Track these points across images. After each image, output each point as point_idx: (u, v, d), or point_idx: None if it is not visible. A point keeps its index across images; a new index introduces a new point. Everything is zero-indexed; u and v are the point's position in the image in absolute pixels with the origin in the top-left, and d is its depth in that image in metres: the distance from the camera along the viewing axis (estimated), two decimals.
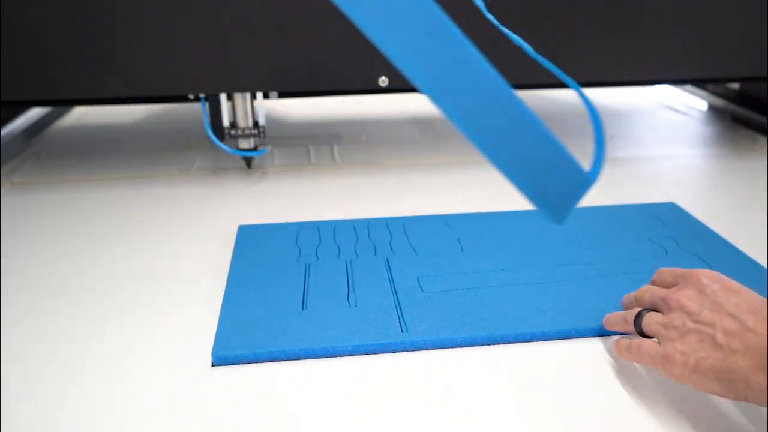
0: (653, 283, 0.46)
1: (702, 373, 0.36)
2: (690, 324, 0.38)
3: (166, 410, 0.41)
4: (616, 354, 0.44)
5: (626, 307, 0.47)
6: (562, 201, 0.41)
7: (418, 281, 0.54)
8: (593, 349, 0.46)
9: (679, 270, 0.43)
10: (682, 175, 0.81)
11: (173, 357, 0.46)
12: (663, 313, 0.41)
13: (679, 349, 0.37)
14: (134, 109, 1.14)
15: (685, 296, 0.39)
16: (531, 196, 0.40)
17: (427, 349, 0.46)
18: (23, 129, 1.01)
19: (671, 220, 0.65)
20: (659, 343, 0.40)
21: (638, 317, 0.42)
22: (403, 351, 0.46)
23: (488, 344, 0.47)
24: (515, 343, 0.47)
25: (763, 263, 0.56)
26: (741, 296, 0.37)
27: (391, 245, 0.61)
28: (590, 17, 0.76)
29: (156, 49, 0.71)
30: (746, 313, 0.36)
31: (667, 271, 0.45)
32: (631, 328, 0.43)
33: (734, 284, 0.39)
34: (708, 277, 0.40)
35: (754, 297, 0.37)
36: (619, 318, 0.45)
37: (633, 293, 0.47)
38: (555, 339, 0.47)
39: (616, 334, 0.47)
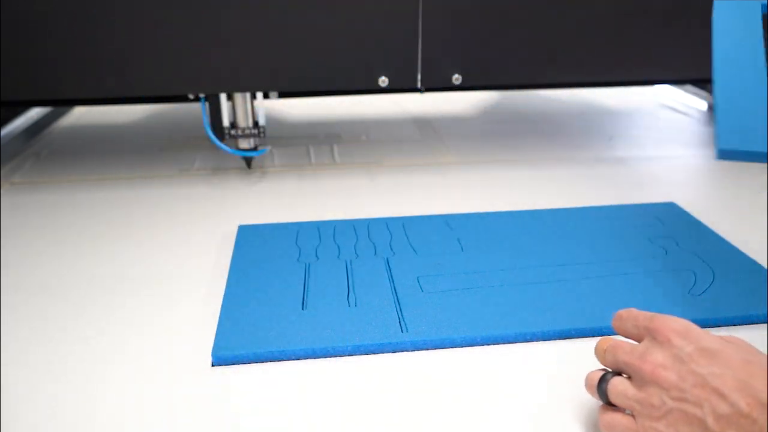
0: (616, 329, 0.39)
1: None
2: (671, 403, 0.32)
3: (166, 410, 0.41)
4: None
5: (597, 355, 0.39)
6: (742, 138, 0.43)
7: (418, 281, 0.54)
8: (593, 348, 0.46)
9: (641, 317, 0.37)
10: (682, 175, 0.81)
11: (173, 357, 0.46)
12: (632, 381, 0.35)
13: (663, 431, 0.32)
14: (134, 109, 1.14)
15: (660, 366, 0.33)
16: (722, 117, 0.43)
17: (427, 349, 0.46)
18: (23, 129, 1.01)
19: (671, 220, 0.65)
20: (634, 418, 0.34)
21: (602, 382, 0.37)
22: (403, 351, 0.46)
23: (488, 344, 0.47)
24: (515, 343, 0.47)
25: (763, 263, 0.56)
26: (722, 363, 0.32)
27: (391, 245, 0.61)
28: (590, 17, 0.76)
29: (156, 49, 0.71)
30: (735, 392, 0.31)
31: (627, 317, 0.38)
32: (595, 394, 0.37)
33: (709, 341, 0.34)
34: (678, 334, 0.34)
35: (736, 361, 0.32)
36: (587, 379, 0.39)
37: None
38: (555, 339, 0.47)
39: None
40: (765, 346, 0.45)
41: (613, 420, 0.36)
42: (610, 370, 0.38)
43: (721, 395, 0.31)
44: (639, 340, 0.37)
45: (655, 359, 0.34)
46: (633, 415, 0.35)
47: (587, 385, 0.38)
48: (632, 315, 0.38)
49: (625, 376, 0.36)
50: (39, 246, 0.63)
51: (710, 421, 0.31)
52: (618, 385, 0.36)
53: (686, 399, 0.32)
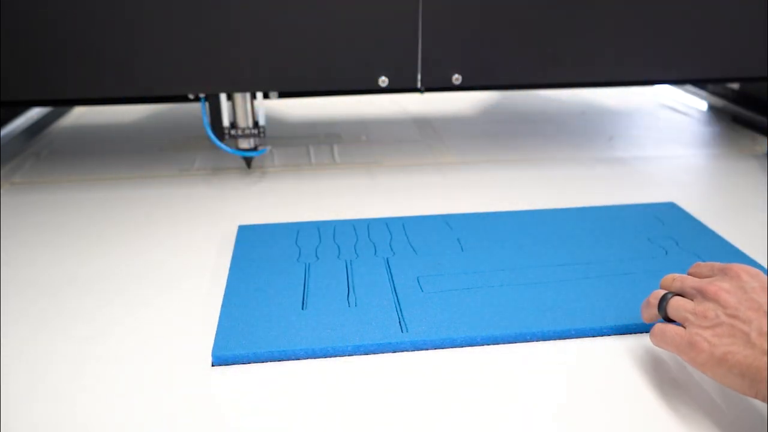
0: (690, 273, 0.44)
1: (728, 367, 0.36)
2: (723, 317, 0.37)
3: (166, 410, 0.41)
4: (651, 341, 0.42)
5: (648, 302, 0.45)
6: None
7: (418, 281, 0.54)
8: (593, 348, 0.46)
9: (717, 264, 0.42)
10: (682, 175, 0.81)
11: (173, 357, 0.46)
12: (694, 301, 0.40)
13: (708, 338, 0.37)
14: (134, 109, 1.14)
15: (723, 288, 0.38)
16: None
17: (427, 349, 0.46)
18: (23, 129, 1.01)
19: (671, 220, 0.65)
20: (685, 328, 0.39)
21: (663, 300, 0.42)
22: (403, 351, 0.46)
23: (488, 344, 0.47)
24: (515, 343, 0.47)
25: (763, 263, 0.56)
26: None
27: (391, 245, 0.61)
28: (590, 17, 0.76)
29: (156, 49, 0.71)
30: None
31: (704, 264, 0.44)
32: (653, 310, 0.43)
33: None
34: (748, 273, 0.39)
35: None
36: (643, 305, 0.44)
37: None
38: (555, 339, 0.47)
39: (616, 333, 0.47)
40: None
41: (665, 329, 0.40)
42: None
43: None
44: None
45: (721, 284, 0.39)
46: (684, 327, 0.39)
47: (647, 304, 0.43)
48: (710, 263, 0.43)
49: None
50: (39, 246, 0.63)
51: (754, 335, 0.35)
52: (678, 300, 0.41)
53: (738, 317, 0.36)
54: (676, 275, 0.44)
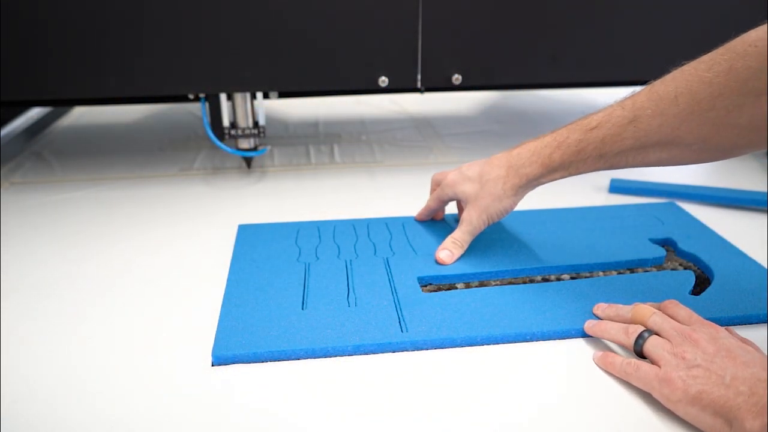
0: (665, 308, 0.46)
1: (701, 406, 0.37)
2: (701, 361, 0.39)
3: (166, 410, 0.41)
4: (600, 366, 0.44)
5: (611, 319, 0.47)
6: None
7: (418, 281, 0.54)
8: (593, 348, 0.46)
9: (696, 316, 0.44)
10: (683, 176, 0.81)
11: (173, 357, 0.46)
12: (672, 343, 0.41)
13: (683, 377, 0.38)
14: (134, 109, 1.14)
15: (704, 339, 0.40)
16: None
17: (427, 349, 0.46)
18: (23, 129, 1.01)
19: (671, 220, 0.65)
20: (660, 367, 0.40)
21: (640, 338, 0.43)
22: (403, 351, 0.46)
23: (488, 344, 0.47)
24: (515, 343, 0.47)
25: (763, 263, 0.56)
26: (757, 354, 0.39)
27: (391, 245, 0.61)
28: (591, 17, 0.76)
29: (156, 49, 0.71)
30: (760, 366, 0.37)
31: (683, 308, 0.45)
32: (629, 343, 0.43)
33: (748, 341, 0.41)
34: (728, 331, 0.42)
35: (764, 355, 0.39)
36: (616, 329, 0.45)
37: (622, 307, 0.47)
38: (555, 339, 0.47)
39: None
40: (765, 346, 0.45)
41: (640, 365, 0.41)
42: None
43: (747, 365, 0.37)
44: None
45: (701, 335, 0.41)
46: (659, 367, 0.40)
47: (624, 332, 0.44)
48: (689, 310, 0.45)
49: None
50: (39, 246, 0.63)
51: (728, 379, 0.37)
52: (657, 339, 0.42)
53: (715, 362, 0.38)
54: (655, 310, 0.45)
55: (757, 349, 0.40)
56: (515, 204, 0.56)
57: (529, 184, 0.54)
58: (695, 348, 0.40)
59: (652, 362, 0.41)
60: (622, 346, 0.45)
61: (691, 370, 0.38)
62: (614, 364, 0.43)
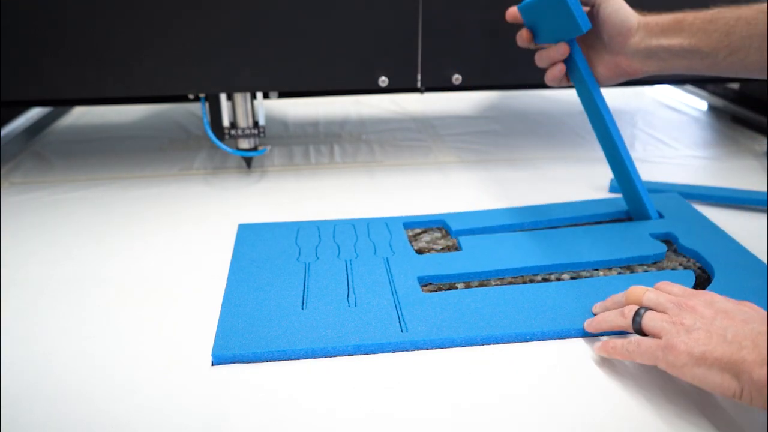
0: (657, 286, 0.46)
1: (707, 365, 0.37)
2: (701, 324, 0.39)
3: (166, 410, 0.41)
4: (602, 354, 0.44)
5: (608, 309, 0.47)
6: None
7: (418, 281, 0.54)
8: (593, 348, 0.46)
9: (689, 289, 0.45)
10: (683, 175, 0.81)
11: (173, 357, 0.46)
12: (668, 314, 0.41)
13: (685, 341, 0.38)
14: (134, 109, 1.14)
15: (700, 304, 0.41)
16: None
17: (427, 349, 0.46)
18: (23, 129, 1.01)
19: (673, 212, 0.65)
20: (661, 338, 0.40)
21: (637, 315, 0.43)
22: (403, 351, 0.46)
23: (488, 344, 0.47)
24: (515, 343, 0.47)
25: (764, 260, 0.56)
26: (753, 308, 0.40)
27: (391, 245, 0.61)
28: None
29: (156, 49, 0.71)
30: (759, 322, 0.38)
31: (674, 285, 0.46)
32: (627, 324, 0.43)
33: (745, 303, 0.41)
34: (718, 296, 0.42)
35: (763, 311, 0.40)
36: (613, 315, 0.45)
37: (616, 295, 0.47)
38: (555, 339, 0.47)
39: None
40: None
41: (641, 340, 0.41)
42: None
43: (746, 322, 0.38)
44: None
45: (697, 302, 0.41)
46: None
47: (620, 314, 0.44)
48: (680, 285, 0.45)
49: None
50: (39, 246, 0.63)
51: (730, 335, 0.37)
52: (654, 314, 0.42)
53: (714, 324, 0.39)
54: (646, 288, 0.45)
55: (752, 307, 0.41)
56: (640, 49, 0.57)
57: (654, 34, 0.56)
58: (693, 314, 0.40)
59: (653, 336, 0.41)
60: (622, 330, 0.45)
61: (692, 334, 0.38)
62: (616, 347, 0.43)
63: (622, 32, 0.57)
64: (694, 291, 0.44)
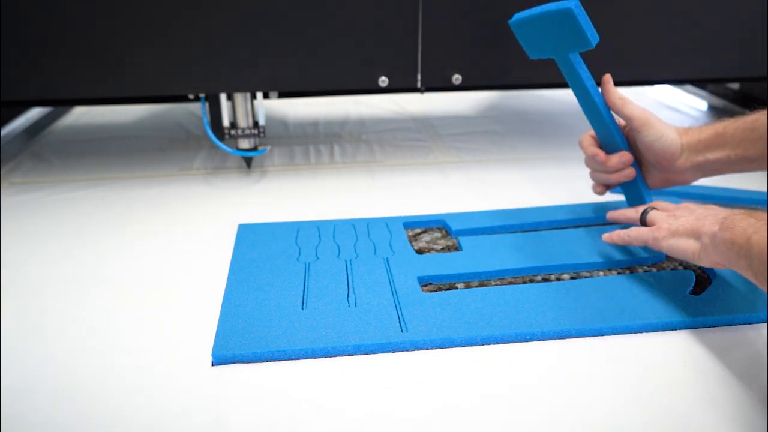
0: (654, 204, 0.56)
1: (679, 235, 0.48)
2: (688, 215, 0.49)
3: (166, 410, 0.41)
4: (607, 241, 0.56)
5: (619, 221, 0.59)
6: None
7: (418, 281, 0.54)
8: (593, 348, 0.46)
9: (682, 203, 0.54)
10: None
11: (173, 357, 0.46)
12: (670, 212, 0.52)
13: (670, 223, 0.50)
14: (134, 109, 1.14)
15: (699, 208, 0.50)
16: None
17: (427, 349, 0.46)
18: (23, 129, 1.01)
19: None
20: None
21: (644, 213, 0.54)
22: (403, 351, 0.46)
23: (488, 344, 0.47)
24: (515, 342, 0.47)
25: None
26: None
27: (391, 245, 0.61)
28: (590, 17, 0.76)
29: (156, 49, 0.71)
30: (730, 212, 0.45)
31: (665, 202, 0.56)
32: (636, 217, 0.55)
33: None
34: (703, 206, 0.52)
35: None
36: (626, 211, 0.57)
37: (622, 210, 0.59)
38: (555, 339, 0.47)
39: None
40: (765, 345, 0.45)
41: (639, 229, 0.53)
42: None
43: (722, 212, 0.46)
44: None
45: (698, 207, 0.51)
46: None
47: (624, 213, 0.58)
48: (670, 203, 0.56)
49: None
50: (38, 245, 0.63)
51: (701, 217, 0.47)
52: (658, 212, 0.53)
53: (705, 217, 0.47)
54: (668, 204, 0.55)
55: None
56: (685, 168, 0.58)
57: (699, 151, 0.57)
58: (689, 213, 0.50)
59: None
60: (634, 223, 0.56)
61: (678, 220, 0.49)
62: (618, 236, 0.54)
63: (666, 157, 0.57)
64: (689, 203, 0.53)
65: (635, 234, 0.52)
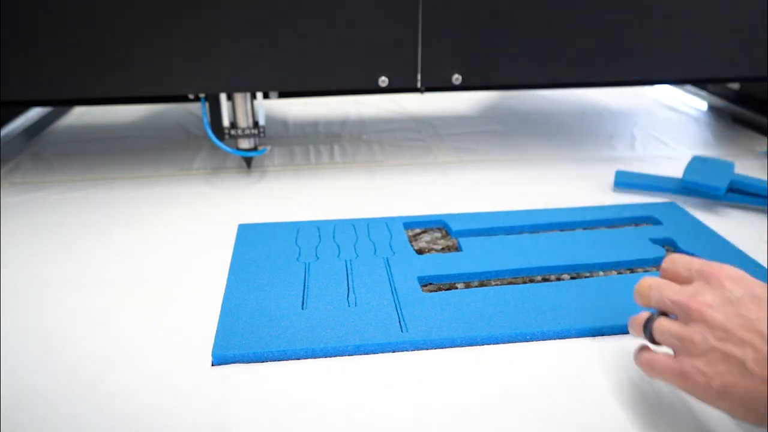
0: (663, 272, 0.40)
1: (729, 400, 0.33)
2: (713, 341, 0.33)
3: (166, 410, 0.41)
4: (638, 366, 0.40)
5: (637, 302, 0.42)
6: None
7: (418, 281, 0.54)
8: (593, 348, 0.46)
9: (695, 262, 0.38)
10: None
11: (173, 357, 0.46)
12: (678, 319, 0.37)
13: (701, 369, 0.34)
14: (134, 109, 1.14)
15: (707, 304, 0.35)
16: None
17: (427, 349, 0.46)
18: (23, 129, 1.01)
19: (671, 219, 0.65)
20: (675, 355, 0.36)
21: (647, 324, 0.38)
22: (402, 351, 0.46)
23: (488, 344, 0.47)
24: (515, 343, 0.47)
25: (764, 263, 0.56)
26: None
27: (391, 245, 0.61)
28: (590, 17, 0.76)
29: (156, 49, 0.71)
30: None
31: (681, 262, 0.39)
32: (641, 335, 0.39)
33: (760, 289, 0.35)
34: (731, 278, 0.35)
35: None
36: (633, 324, 0.41)
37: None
38: (555, 339, 0.47)
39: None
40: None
41: (652, 360, 0.37)
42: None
43: (764, 337, 0.32)
44: (688, 284, 0.38)
45: (704, 299, 0.35)
46: (674, 355, 0.36)
47: (632, 324, 0.40)
48: (686, 259, 0.39)
49: (672, 316, 0.38)
50: (38, 246, 0.63)
51: (749, 363, 0.32)
52: (663, 323, 0.37)
53: (729, 339, 0.33)
54: (652, 282, 0.39)
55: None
56: None
57: None
58: (703, 325, 0.34)
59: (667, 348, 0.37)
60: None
61: (706, 356, 0.33)
62: (641, 364, 0.39)
63: None
64: (702, 270, 0.37)
65: (658, 372, 0.37)
